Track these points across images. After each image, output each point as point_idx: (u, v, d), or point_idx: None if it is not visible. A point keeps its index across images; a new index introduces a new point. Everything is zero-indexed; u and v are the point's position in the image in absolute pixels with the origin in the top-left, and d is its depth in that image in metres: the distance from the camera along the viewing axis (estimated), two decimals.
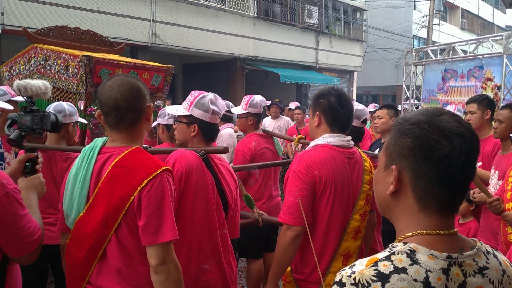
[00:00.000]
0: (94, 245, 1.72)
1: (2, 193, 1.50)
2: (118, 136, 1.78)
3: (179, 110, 2.33)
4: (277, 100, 7.67)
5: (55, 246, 2.83)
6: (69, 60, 4.27)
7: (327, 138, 2.27)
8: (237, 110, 3.99)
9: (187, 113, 2.28)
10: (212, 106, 2.28)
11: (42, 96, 2.02)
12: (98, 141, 1.83)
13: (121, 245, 1.70)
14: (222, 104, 2.38)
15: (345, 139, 2.29)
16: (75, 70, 4.18)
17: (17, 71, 5.06)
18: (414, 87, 8.94)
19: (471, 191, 3.33)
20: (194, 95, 2.34)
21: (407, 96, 9.06)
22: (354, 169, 2.30)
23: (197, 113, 2.27)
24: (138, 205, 1.65)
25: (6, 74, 5.25)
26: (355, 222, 2.26)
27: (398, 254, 0.94)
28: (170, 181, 1.72)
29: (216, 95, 2.40)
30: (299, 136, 3.73)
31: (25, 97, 1.94)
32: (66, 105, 2.99)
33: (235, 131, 7.31)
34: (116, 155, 1.73)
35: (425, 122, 0.98)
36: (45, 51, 4.60)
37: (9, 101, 3.25)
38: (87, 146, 1.83)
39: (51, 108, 2.95)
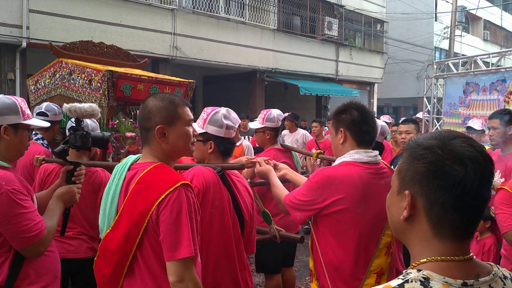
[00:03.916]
0: (119, 261, 1.74)
1: None
2: (143, 152, 1.87)
3: (195, 128, 2.36)
4: (289, 113, 7.64)
5: (74, 260, 2.89)
6: (93, 75, 4.37)
7: (353, 155, 2.22)
8: (254, 125, 4.01)
9: (202, 130, 2.30)
10: (226, 121, 2.30)
11: (89, 117, 2.31)
12: (130, 158, 1.90)
13: (145, 262, 1.72)
14: (235, 118, 2.39)
15: (372, 155, 2.24)
16: (98, 84, 4.27)
17: (43, 84, 5.19)
18: (435, 100, 8.82)
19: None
20: (206, 112, 2.36)
21: (428, 109, 8.95)
22: (383, 184, 2.22)
23: (211, 129, 2.29)
24: (156, 220, 1.66)
25: (32, 88, 5.39)
26: (387, 237, 2.21)
27: (411, 282, 0.93)
28: (190, 196, 1.70)
29: (229, 109, 2.41)
30: (318, 151, 3.72)
31: (74, 118, 2.27)
32: (89, 121, 3.07)
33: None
34: (141, 171, 1.77)
35: (438, 147, 0.97)
36: (69, 66, 4.71)
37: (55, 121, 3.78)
38: (120, 163, 1.90)
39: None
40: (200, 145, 2.32)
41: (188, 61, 13.05)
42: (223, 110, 2.34)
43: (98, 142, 2.40)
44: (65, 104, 2.27)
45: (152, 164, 1.78)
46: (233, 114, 2.38)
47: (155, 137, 1.79)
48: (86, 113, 2.28)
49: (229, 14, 14.20)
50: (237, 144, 5.67)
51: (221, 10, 13.96)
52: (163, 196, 1.66)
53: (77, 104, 2.26)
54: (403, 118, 6.83)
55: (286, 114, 7.13)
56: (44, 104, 3.86)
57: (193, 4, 13.26)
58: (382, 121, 3.20)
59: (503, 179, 3.56)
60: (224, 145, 2.31)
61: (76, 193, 2.24)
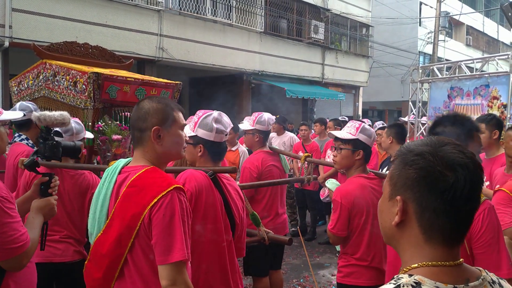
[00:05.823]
0: (110, 265, 1.72)
1: None
2: (135, 155, 1.84)
3: (186, 131, 2.35)
4: (277, 116, 7.66)
5: (60, 264, 2.85)
6: (78, 76, 4.31)
7: None
8: (244, 126, 4.02)
9: (193, 133, 2.29)
10: (216, 125, 2.29)
11: (59, 125, 2.21)
12: (121, 161, 1.87)
13: (136, 266, 1.70)
14: (227, 122, 2.39)
15: None
16: (83, 86, 4.21)
17: (26, 86, 5.10)
18: (420, 104, 8.93)
19: None
20: (198, 115, 2.35)
21: (413, 113, 9.05)
22: None
23: (201, 133, 2.29)
24: (149, 224, 1.65)
25: (15, 89, 5.30)
26: None
27: (403, 287, 0.94)
28: (182, 200, 1.69)
29: (222, 113, 2.40)
30: (306, 154, 3.74)
31: (43, 127, 2.16)
32: (73, 123, 3.03)
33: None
34: (132, 175, 1.75)
35: (429, 153, 0.99)
36: (53, 67, 4.64)
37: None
38: (111, 166, 1.87)
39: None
40: (190, 148, 2.32)
41: (174, 62, 12.99)
42: (214, 113, 2.34)
43: (69, 152, 2.33)
44: (34, 113, 2.19)
45: (144, 168, 1.76)
46: (226, 118, 2.37)
47: (150, 138, 1.78)
48: (57, 121, 2.18)
49: (216, 16, 14.18)
50: (233, 149, 5.64)
51: (208, 12, 13.94)
52: (155, 200, 1.64)
53: (47, 112, 2.18)
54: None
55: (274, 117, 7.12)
56: (18, 104, 3.81)
57: (179, 5, 13.21)
58: (369, 125, 3.22)
59: (488, 183, 3.62)
60: (214, 149, 2.30)
61: (54, 206, 2.13)
